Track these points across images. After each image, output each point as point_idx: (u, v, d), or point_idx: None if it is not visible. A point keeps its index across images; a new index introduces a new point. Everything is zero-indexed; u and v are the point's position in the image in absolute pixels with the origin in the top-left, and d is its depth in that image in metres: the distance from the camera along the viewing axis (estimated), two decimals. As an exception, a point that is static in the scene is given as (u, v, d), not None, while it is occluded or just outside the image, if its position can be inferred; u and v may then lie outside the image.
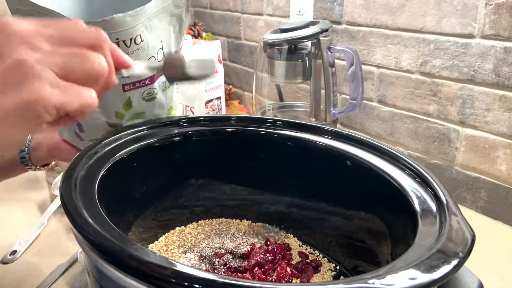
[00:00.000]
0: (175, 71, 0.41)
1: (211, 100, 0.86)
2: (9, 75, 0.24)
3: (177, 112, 0.62)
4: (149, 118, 0.56)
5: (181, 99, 0.88)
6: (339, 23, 0.93)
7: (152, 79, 0.54)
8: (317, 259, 0.54)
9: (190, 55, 0.41)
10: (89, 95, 0.28)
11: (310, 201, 0.56)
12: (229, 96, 1.27)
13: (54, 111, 0.25)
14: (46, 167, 0.63)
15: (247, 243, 0.55)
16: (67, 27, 0.27)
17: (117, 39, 0.47)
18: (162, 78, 0.56)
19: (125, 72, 0.35)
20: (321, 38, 0.81)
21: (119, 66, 0.33)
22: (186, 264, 0.32)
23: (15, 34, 0.25)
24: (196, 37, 1.25)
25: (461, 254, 0.31)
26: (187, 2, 0.55)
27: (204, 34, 1.29)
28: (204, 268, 0.50)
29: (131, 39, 0.48)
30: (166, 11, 0.53)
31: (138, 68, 0.38)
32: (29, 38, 0.25)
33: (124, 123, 0.55)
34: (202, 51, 0.39)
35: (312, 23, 0.84)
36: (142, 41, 0.49)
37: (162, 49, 0.53)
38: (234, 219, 0.62)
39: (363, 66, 0.84)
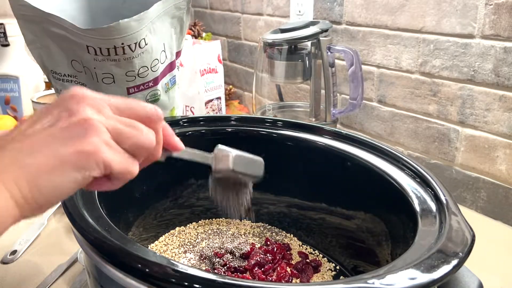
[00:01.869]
0: (223, 164, 0.40)
1: (211, 100, 0.86)
2: (73, 129, 0.28)
3: (179, 111, 0.63)
4: None
5: (181, 99, 0.88)
6: (339, 23, 0.93)
7: (156, 81, 0.54)
8: (317, 259, 0.54)
9: (239, 152, 0.41)
10: (133, 163, 0.31)
11: (310, 201, 0.56)
12: (229, 96, 1.27)
13: (102, 166, 0.28)
14: None
15: (247, 243, 0.55)
16: (131, 101, 0.31)
17: (122, 43, 0.48)
18: (165, 80, 0.57)
19: (174, 154, 0.36)
20: (321, 38, 0.81)
21: (169, 146, 0.35)
22: (186, 264, 0.32)
23: (84, 97, 0.29)
24: (196, 37, 1.25)
25: (461, 254, 0.31)
26: (187, 4, 0.56)
27: (204, 34, 1.29)
28: (204, 268, 0.50)
29: (135, 43, 0.49)
30: (168, 14, 0.53)
31: (188, 154, 0.38)
32: (97, 103, 0.29)
33: None
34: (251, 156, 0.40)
35: (312, 23, 0.84)
36: (146, 44, 0.50)
37: (164, 51, 0.54)
38: (234, 219, 0.62)
39: (363, 66, 0.84)
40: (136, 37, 0.48)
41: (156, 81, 0.54)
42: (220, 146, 0.41)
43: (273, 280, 0.49)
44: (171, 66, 0.56)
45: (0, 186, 0.26)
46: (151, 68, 0.53)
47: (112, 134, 0.29)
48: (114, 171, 0.29)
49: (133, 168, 0.31)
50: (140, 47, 0.50)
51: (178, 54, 0.59)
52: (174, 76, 0.58)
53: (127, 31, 0.47)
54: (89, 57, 0.49)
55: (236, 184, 0.43)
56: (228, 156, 0.40)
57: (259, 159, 0.43)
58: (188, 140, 0.56)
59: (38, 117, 0.29)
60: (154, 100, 0.55)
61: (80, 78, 0.53)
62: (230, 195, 0.44)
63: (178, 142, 0.36)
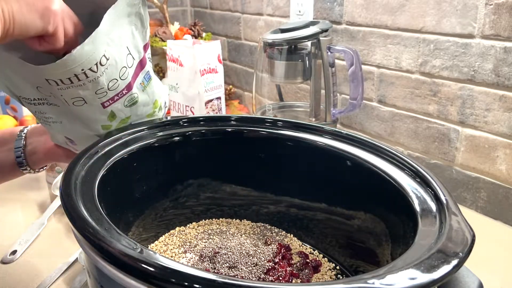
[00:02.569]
0: None
1: (211, 100, 0.86)
2: None
3: (162, 99, 0.60)
4: (136, 119, 0.56)
5: (181, 99, 0.88)
6: (339, 23, 0.93)
7: (129, 87, 0.52)
8: (317, 259, 0.54)
9: None
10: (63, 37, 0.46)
11: (310, 201, 0.56)
12: (229, 96, 1.27)
13: (55, 27, 0.43)
14: (45, 167, 0.63)
15: (247, 243, 0.55)
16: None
17: (82, 70, 0.45)
18: (138, 80, 0.54)
19: None
20: (321, 38, 0.81)
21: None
22: (186, 264, 0.32)
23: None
24: (196, 37, 1.25)
25: (461, 254, 0.31)
26: None
27: (204, 34, 1.29)
28: (204, 268, 0.50)
29: (96, 63, 0.46)
30: (122, 15, 0.50)
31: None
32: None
33: (114, 130, 0.54)
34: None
35: (312, 23, 0.84)
36: (108, 59, 0.47)
37: (130, 54, 0.51)
38: (234, 219, 0.62)
39: (363, 66, 0.84)
40: (95, 57, 0.46)
41: (129, 87, 0.52)
42: None
43: (273, 280, 0.49)
44: (141, 64, 0.54)
45: None
46: (120, 78, 0.51)
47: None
48: (57, 35, 0.44)
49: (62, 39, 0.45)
50: (102, 65, 0.47)
51: (145, 47, 0.56)
52: (148, 71, 0.55)
53: (83, 57, 0.45)
54: (53, 87, 0.47)
55: None
56: None
57: None
58: (188, 140, 0.56)
59: None
60: (133, 103, 0.54)
61: (51, 100, 0.51)
62: None
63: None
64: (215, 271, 0.49)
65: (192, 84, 0.85)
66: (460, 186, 0.77)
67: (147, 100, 0.56)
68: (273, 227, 0.60)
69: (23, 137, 0.60)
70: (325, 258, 0.55)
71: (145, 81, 0.55)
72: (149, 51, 0.58)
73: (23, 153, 0.59)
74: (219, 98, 0.88)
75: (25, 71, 0.47)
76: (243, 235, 0.58)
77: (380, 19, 0.84)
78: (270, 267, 0.50)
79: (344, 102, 0.95)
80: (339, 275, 0.53)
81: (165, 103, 0.62)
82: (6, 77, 0.50)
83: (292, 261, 0.53)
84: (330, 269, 0.53)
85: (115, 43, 0.49)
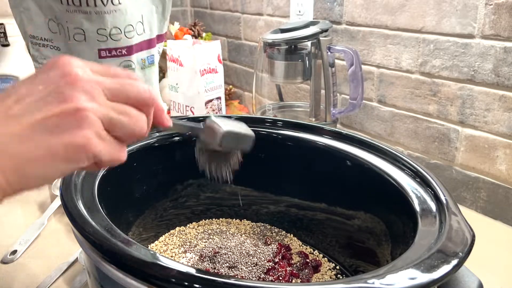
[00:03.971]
0: (210, 139, 0.40)
1: (211, 100, 0.86)
2: (66, 119, 0.26)
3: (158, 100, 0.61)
4: None
5: (181, 99, 0.88)
6: (339, 23, 0.93)
7: (129, 51, 0.53)
8: (317, 259, 0.54)
9: (230, 127, 0.40)
10: (122, 151, 0.30)
11: (310, 201, 0.56)
12: (229, 96, 1.27)
13: (92, 158, 0.28)
14: None
15: (247, 243, 0.55)
16: (125, 82, 0.30)
17: None
18: (141, 55, 0.56)
19: (161, 128, 0.35)
20: (321, 38, 0.81)
21: (158, 124, 0.34)
22: (186, 264, 0.32)
23: (77, 80, 0.27)
24: (196, 37, 1.25)
25: (461, 254, 0.31)
26: None
27: (204, 34, 1.29)
28: (204, 268, 0.50)
29: None
30: None
31: (176, 127, 0.37)
32: (90, 88, 0.28)
33: None
34: (243, 126, 0.39)
35: (312, 23, 0.84)
36: (120, 3, 0.49)
37: (142, 24, 0.53)
38: (234, 219, 0.62)
39: (363, 66, 0.84)
40: None
41: (130, 50, 0.53)
42: (212, 118, 0.39)
43: (273, 280, 0.49)
44: (149, 44, 0.56)
45: None
46: (124, 32, 0.52)
47: (104, 123, 0.28)
48: (103, 161, 0.29)
49: (122, 155, 0.30)
50: (113, 3, 0.49)
51: (160, 37, 0.58)
52: (153, 56, 0.57)
53: None
54: (62, 9, 0.49)
55: (223, 153, 0.42)
56: (216, 133, 0.39)
57: (250, 134, 0.43)
58: (188, 140, 0.56)
59: (26, 91, 0.27)
60: None
61: (56, 41, 0.52)
62: (216, 162, 0.43)
63: (167, 119, 0.35)
64: (215, 271, 0.49)
65: (192, 84, 0.85)
66: (460, 186, 0.77)
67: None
68: (273, 227, 0.60)
69: None
70: (325, 258, 0.55)
71: (147, 61, 0.57)
72: (161, 45, 0.59)
73: None
74: (219, 98, 0.88)
75: None
76: (243, 235, 0.58)
77: (380, 19, 0.84)
78: (270, 267, 0.50)
79: (344, 102, 0.95)
80: (339, 275, 0.53)
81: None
82: (25, 9, 0.51)
83: (292, 261, 0.53)
84: (330, 269, 0.53)
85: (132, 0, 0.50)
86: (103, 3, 0.49)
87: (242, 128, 0.42)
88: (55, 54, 0.53)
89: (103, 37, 0.51)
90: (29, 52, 0.56)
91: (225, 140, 0.39)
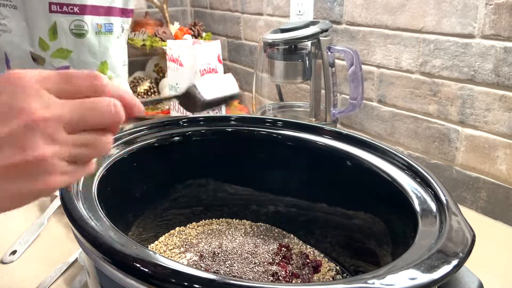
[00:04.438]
0: (192, 107, 0.40)
1: (211, 100, 0.86)
2: (27, 169, 0.26)
3: (115, 76, 0.59)
4: (76, 65, 0.52)
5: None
6: (339, 23, 0.93)
7: (82, 10, 0.50)
8: (317, 259, 0.54)
9: (212, 93, 0.40)
10: (89, 168, 0.30)
11: (310, 201, 0.56)
12: (229, 96, 1.27)
13: (54, 190, 0.28)
14: None
15: (247, 243, 0.55)
16: (86, 106, 0.28)
17: None
18: (97, 20, 0.53)
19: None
20: (321, 38, 0.81)
21: (130, 112, 0.32)
22: (186, 264, 0.32)
23: (35, 121, 0.26)
24: (196, 37, 1.25)
25: (461, 254, 0.31)
26: None
27: (204, 34, 1.29)
28: (204, 268, 0.50)
29: None
30: None
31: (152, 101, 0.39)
32: (49, 130, 0.26)
33: (49, 58, 0.51)
34: (228, 84, 0.37)
35: (312, 23, 0.84)
36: None
37: None
38: (234, 219, 0.62)
39: (363, 66, 0.84)
40: None
41: (83, 9, 0.51)
42: (196, 84, 0.40)
43: (273, 280, 0.49)
44: (108, 11, 0.54)
45: None
46: None
47: (67, 160, 0.28)
48: (65, 185, 0.29)
49: (88, 171, 0.31)
50: None
51: (124, 11, 0.56)
52: (112, 24, 0.55)
53: None
54: None
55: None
56: (197, 102, 0.40)
57: (234, 93, 0.43)
58: (188, 140, 0.56)
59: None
60: (79, 34, 0.52)
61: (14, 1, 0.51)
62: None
63: (140, 111, 0.33)
64: (215, 271, 0.49)
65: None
66: (460, 186, 0.77)
67: (96, 48, 0.55)
68: (273, 227, 0.60)
69: None
70: (325, 258, 0.55)
71: (104, 28, 0.54)
72: (126, 21, 0.59)
73: None
74: (219, 98, 0.88)
75: None
76: (243, 235, 0.58)
77: (380, 19, 0.84)
78: (270, 267, 0.50)
79: (344, 102, 0.95)
80: (339, 275, 0.53)
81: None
82: None
83: (292, 261, 0.53)
84: (330, 269, 0.53)
85: None
86: None
87: (226, 89, 0.42)
88: (11, 13, 0.51)
89: None
90: None
91: (208, 106, 0.41)
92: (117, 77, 0.59)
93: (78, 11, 0.51)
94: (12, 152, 0.25)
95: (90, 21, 0.53)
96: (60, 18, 0.51)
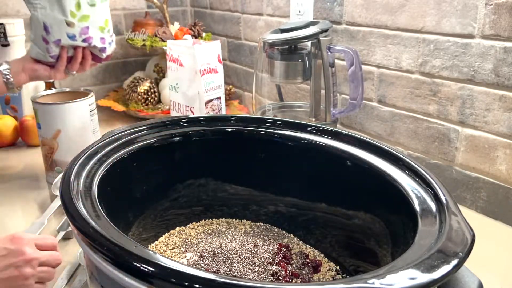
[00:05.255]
0: None
1: (211, 100, 0.86)
2: (20, 281, 0.49)
3: (111, 28, 0.85)
4: (92, 24, 0.80)
5: (181, 99, 0.88)
6: (339, 23, 0.93)
7: None
8: (317, 259, 0.54)
9: None
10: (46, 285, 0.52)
11: (310, 201, 0.56)
12: (229, 96, 1.27)
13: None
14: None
15: (247, 243, 0.55)
16: (49, 254, 0.52)
17: None
18: None
19: None
20: (321, 38, 0.81)
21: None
22: (186, 264, 0.32)
23: (28, 259, 0.49)
24: (196, 37, 1.25)
25: (461, 254, 0.31)
26: None
27: (204, 34, 1.29)
28: (204, 268, 0.50)
29: None
30: None
31: None
32: (33, 263, 0.49)
33: (77, 22, 0.78)
34: None
35: (312, 23, 0.84)
36: None
37: None
38: (234, 219, 0.62)
39: (363, 66, 0.84)
40: None
41: None
42: None
43: (273, 280, 0.49)
44: None
45: None
46: None
47: (38, 280, 0.50)
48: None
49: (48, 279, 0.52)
50: None
51: None
52: None
53: None
54: None
55: None
56: None
57: None
58: (188, 140, 0.56)
59: None
60: (92, 4, 0.79)
61: None
62: None
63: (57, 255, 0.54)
64: (215, 271, 0.49)
65: (192, 84, 0.85)
66: (460, 186, 0.77)
67: (101, 12, 0.81)
68: (273, 227, 0.60)
69: (8, 63, 0.79)
70: (325, 258, 0.55)
71: None
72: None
73: (9, 74, 0.78)
74: (219, 98, 0.88)
75: None
76: (243, 235, 0.58)
77: (380, 19, 0.84)
78: (270, 267, 0.50)
79: (344, 102, 0.95)
80: (339, 275, 0.53)
81: (113, 35, 0.86)
82: None
83: (292, 261, 0.53)
84: (330, 269, 0.53)
85: None
86: None
87: None
88: None
89: None
90: (25, 2, 0.78)
91: None
92: (111, 26, 0.86)
93: None
94: (15, 272, 0.48)
95: None
96: None
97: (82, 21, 0.78)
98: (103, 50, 0.84)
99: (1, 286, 0.47)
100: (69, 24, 0.77)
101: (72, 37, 0.79)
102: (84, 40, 0.80)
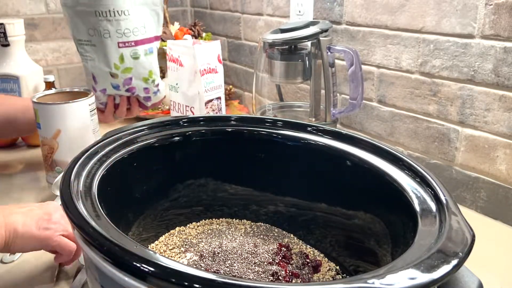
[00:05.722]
0: None
1: (211, 100, 0.86)
2: (49, 229, 0.54)
3: (157, 78, 0.90)
4: (135, 75, 0.87)
5: (181, 99, 0.88)
6: (339, 23, 0.93)
7: (136, 43, 0.86)
8: (317, 259, 0.54)
9: None
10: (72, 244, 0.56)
11: (310, 201, 0.56)
12: (229, 96, 1.27)
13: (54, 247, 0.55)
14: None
15: (247, 243, 0.55)
16: (68, 229, 0.56)
17: (113, 8, 0.81)
18: (144, 47, 0.87)
19: None
20: (321, 38, 0.81)
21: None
22: (186, 264, 0.32)
23: (52, 219, 0.55)
24: (196, 37, 1.25)
25: (460, 254, 0.31)
26: (161, 4, 0.88)
27: (204, 34, 1.29)
28: (204, 268, 0.50)
29: (122, 10, 0.82)
30: (147, 6, 0.86)
31: None
32: (59, 223, 0.55)
33: (120, 74, 0.85)
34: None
35: (312, 23, 0.84)
36: (129, 14, 0.83)
37: (144, 28, 0.86)
38: (234, 219, 0.62)
39: (363, 66, 0.84)
40: (122, 6, 0.82)
41: (137, 43, 0.86)
42: None
43: (273, 280, 0.49)
44: (149, 40, 0.88)
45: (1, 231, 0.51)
46: (132, 32, 0.85)
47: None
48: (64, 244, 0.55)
49: (72, 247, 0.55)
50: (125, 14, 0.83)
51: (157, 37, 0.90)
52: (152, 48, 0.88)
53: (114, 2, 0.81)
54: (96, 20, 0.82)
55: None
56: None
57: None
58: (188, 140, 0.56)
59: (30, 208, 0.56)
60: (135, 57, 0.86)
61: (93, 41, 0.84)
62: None
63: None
64: (215, 271, 0.49)
65: (192, 84, 0.85)
66: (460, 186, 0.77)
67: (145, 63, 0.88)
68: (273, 227, 0.60)
69: None
70: (325, 258, 0.55)
71: (148, 51, 0.88)
72: (157, 43, 0.91)
73: None
74: (219, 98, 0.88)
75: (86, 9, 0.81)
76: (243, 235, 0.58)
77: (380, 19, 0.84)
78: (270, 267, 0.50)
79: (344, 102, 0.95)
80: (339, 275, 0.53)
81: (158, 85, 0.91)
82: (74, 24, 0.84)
83: (292, 261, 0.53)
84: (330, 269, 0.53)
85: (136, 13, 0.84)
86: (119, 14, 0.82)
87: None
88: (92, 49, 0.85)
89: (120, 34, 0.84)
90: (78, 50, 0.87)
91: None
92: (157, 77, 0.91)
93: (134, 44, 0.86)
94: (45, 221, 0.55)
95: (141, 48, 0.87)
96: (124, 50, 0.85)
97: (125, 72, 0.86)
98: (147, 99, 0.91)
99: (34, 241, 0.53)
100: (113, 75, 0.85)
101: (116, 87, 0.87)
102: (127, 90, 0.88)
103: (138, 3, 0.84)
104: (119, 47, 0.84)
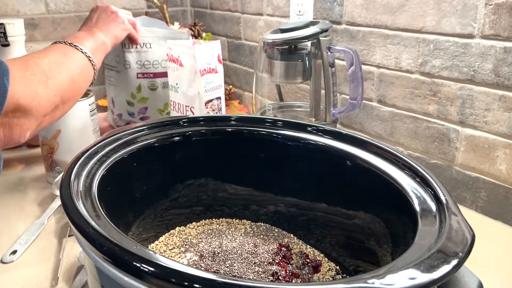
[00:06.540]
0: None
1: (211, 100, 0.85)
2: (118, 20, 0.84)
3: (172, 112, 0.89)
4: (151, 105, 0.93)
5: (181, 99, 0.88)
6: (339, 23, 0.93)
7: (155, 75, 0.93)
8: (317, 259, 0.54)
9: None
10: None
11: (310, 201, 0.56)
12: (229, 96, 1.27)
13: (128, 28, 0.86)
14: None
15: (247, 243, 0.55)
16: (129, 17, 0.86)
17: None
18: (162, 80, 0.93)
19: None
20: (321, 38, 0.81)
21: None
22: (186, 264, 0.32)
23: (117, 13, 0.83)
24: (196, 37, 1.25)
25: (460, 254, 0.31)
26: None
27: (204, 34, 1.29)
28: (204, 268, 0.50)
29: (144, 43, 0.92)
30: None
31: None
32: (123, 15, 0.84)
33: (136, 103, 0.92)
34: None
35: (312, 23, 0.84)
36: (150, 48, 0.92)
37: (165, 60, 0.91)
38: (234, 219, 0.62)
39: (363, 66, 0.84)
40: (144, 38, 0.91)
41: (155, 75, 0.92)
42: None
43: (273, 280, 0.49)
44: (165, 74, 0.92)
45: (105, 39, 0.77)
46: (152, 64, 0.92)
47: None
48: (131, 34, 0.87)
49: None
50: (146, 47, 0.92)
51: None
52: (168, 82, 0.88)
53: (139, 33, 0.91)
54: (121, 50, 0.91)
55: None
56: None
57: None
58: (188, 140, 0.56)
59: (98, 15, 0.81)
60: (153, 88, 0.93)
61: (117, 67, 0.92)
62: None
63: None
64: (215, 271, 0.49)
65: (192, 84, 0.85)
66: (460, 186, 0.77)
67: (161, 95, 0.93)
68: (273, 227, 0.60)
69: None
70: (325, 258, 0.55)
71: (166, 85, 0.92)
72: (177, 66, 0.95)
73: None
74: (219, 98, 0.88)
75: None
76: (243, 235, 0.58)
77: (380, 19, 0.84)
78: (270, 267, 0.50)
79: (344, 102, 0.95)
80: (339, 275, 0.53)
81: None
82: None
83: (292, 261, 0.53)
84: (330, 269, 0.53)
85: (158, 46, 0.92)
86: (141, 46, 0.91)
87: None
88: (116, 75, 0.93)
89: (139, 66, 0.92)
90: (104, 73, 0.96)
91: None
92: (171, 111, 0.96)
93: (152, 76, 0.92)
94: (111, 17, 0.82)
95: (159, 81, 0.93)
96: (143, 81, 0.92)
97: (141, 102, 0.92)
98: None
99: (101, 23, 0.78)
100: (129, 103, 0.92)
101: (131, 114, 0.94)
102: (141, 118, 0.94)
103: (161, 37, 0.90)
104: (137, 77, 0.91)
